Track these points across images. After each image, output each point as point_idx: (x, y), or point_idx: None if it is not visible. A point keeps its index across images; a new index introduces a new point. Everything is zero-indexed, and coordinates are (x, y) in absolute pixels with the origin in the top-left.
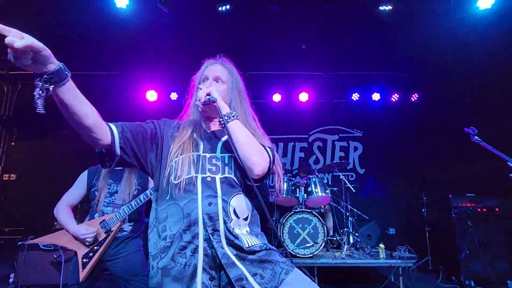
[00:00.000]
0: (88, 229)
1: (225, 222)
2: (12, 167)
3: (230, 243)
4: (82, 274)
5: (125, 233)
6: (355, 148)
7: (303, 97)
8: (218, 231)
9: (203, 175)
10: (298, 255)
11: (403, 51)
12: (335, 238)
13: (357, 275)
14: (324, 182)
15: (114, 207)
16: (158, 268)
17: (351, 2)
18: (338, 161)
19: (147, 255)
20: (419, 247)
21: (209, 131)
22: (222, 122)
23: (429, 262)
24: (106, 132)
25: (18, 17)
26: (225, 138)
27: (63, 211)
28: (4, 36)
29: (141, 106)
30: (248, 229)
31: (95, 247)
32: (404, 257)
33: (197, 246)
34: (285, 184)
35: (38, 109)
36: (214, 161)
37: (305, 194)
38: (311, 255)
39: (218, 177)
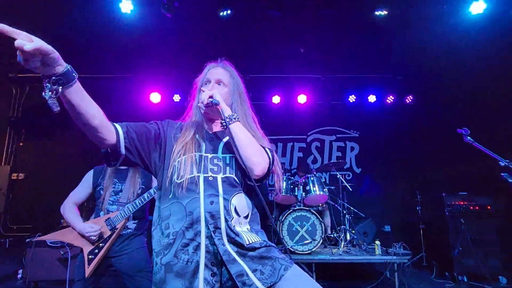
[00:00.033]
0: (93, 227)
1: (226, 220)
2: (20, 166)
3: (231, 241)
4: (88, 270)
5: (129, 230)
6: (352, 148)
7: (302, 99)
8: (220, 228)
9: (205, 175)
10: (296, 251)
11: (398, 54)
12: (332, 235)
13: (353, 271)
14: (322, 181)
15: (119, 205)
16: (161, 264)
17: (348, 7)
18: (335, 161)
19: (150, 252)
20: (413, 244)
21: (211, 132)
22: (224, 124)
23: (423, 258)
24: (111, 132)
25: (29, 21)
26: (226, 139)
27: (69, 209)
28: (14, 39)
29: (145, 107)
30: (249, 227)
31: (100, 244)
32: (399, 253)
33: (199, 243)
34: (284, 183)
35: (53, 108)
36: (215, 161)
37: (303, 193)
38: (309, 251)
39: (219, 177)
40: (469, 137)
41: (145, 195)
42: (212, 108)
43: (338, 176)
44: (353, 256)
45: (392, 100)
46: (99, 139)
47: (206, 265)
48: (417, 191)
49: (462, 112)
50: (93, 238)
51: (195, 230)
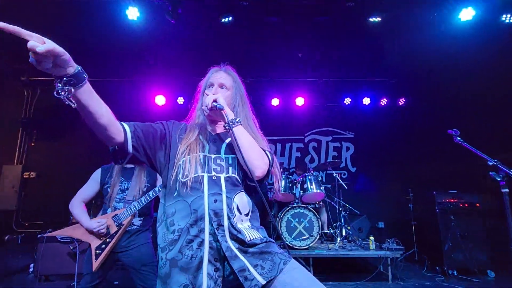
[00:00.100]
0: (100, 222)
1: (229, 218)
2: (32, 165)
3: (233, 237)
4: (95, 264)
5: (135, 227)
6: (347, 148)
7: (299, 101)
8: (223, 226)
9: (209, 174)
10: (295, 246)
11: (391, 59)
12: (329, 231)
13: (349, 265)
14: (319, 179)
15: (125, 203)
16: (166, 259)
17: (343, 14)
18: (332, 160)
19: (155, 247)
20: (406, 240)
21: (214, 134)
22: (228, 127)
23: (415, 253)
24: (119, 131)
25: (41, 26)
26: (228, 140)
27: (77, 206)
28: (26, 42)
29: (150, 109)
30: (249, 224)
31: (107, 240)
32: (392, 248)
33: (203, 239)
34: (283, 181)
35: (72, 104)
36: (219, 161)
37: (301, 191)
38: (306, 247)
39: (222, 176)
40: (459, 138)
41: (150, 193)
42: (215, 111)
43: (334, 175)
44: (349, 251)
45: (385, 103)
46: (108, 137)
47: (209, 261)
48: (409, 189)
49: (452, 114)
50: (102, 231)
51: (199, 227)
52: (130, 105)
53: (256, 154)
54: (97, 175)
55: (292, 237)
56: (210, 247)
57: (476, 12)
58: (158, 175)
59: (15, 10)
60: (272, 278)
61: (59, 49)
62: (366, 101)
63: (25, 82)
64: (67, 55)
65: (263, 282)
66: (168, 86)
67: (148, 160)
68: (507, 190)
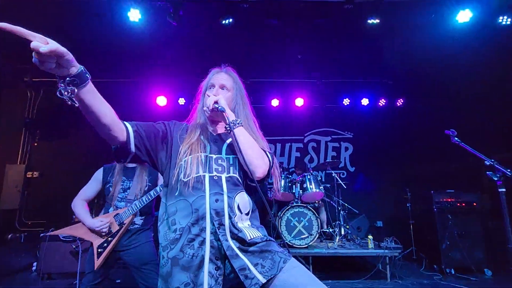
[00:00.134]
0: (102, 221)
1: (230, 217)
2: (35, 165)
3: (234, 236)
4: (97, 262)
5: (136, 226)
6: (346, 148)
7: (299, 102)
8: (224, 225)
9: (210, 174)
10: (294, 245)
11: (389, 60)
12: (328, 230)
13: (348, 263)
14: (318, 179)
15: (127, 202)
16: (168, 258)
17: (342, 16)
18: (331, 160)
19: (157, 246)
20: (404, 238)
21: (215, 134)
22: (229, 129)
23: (413, 252)
24: (122, 130)
25: (44, 28)
26: (229, 140)
27: (79, 205)
28: (29, 42)
29: (152, 110)
30: (250, 223)
31: (109, 238)
32: (390, 247)
33: (204, 238)
34: (283, 181)
35: (73, 103)
36: (220, 161)
37: (300, 190)
38: (306, 245)
39: (223, 176)
40: (456, 138)
41: (152, 192)
42: (216, 112)
43: (333, 175)
44: (348, 250)
45: (384, 103)
46: (110, 136)
47: (210, 260)
48: (407, 189)
49: (449, 114)
50: (104, 230)
51: (200, 226)
52: (132, 105)
53: (257, 154)
54: (99, 174)
55: (292, 236)
56: (211, 246)
57: (473, 14)
58: (159, 174)
59: (18, 12)
60: (272, 276)
61: (62, 49)
62: (365, 101)
63: (28, 83)
64: (70, 55)
65: (264, 280)
66: (169, 87)
67: (149, 160)
68: (504, 189)
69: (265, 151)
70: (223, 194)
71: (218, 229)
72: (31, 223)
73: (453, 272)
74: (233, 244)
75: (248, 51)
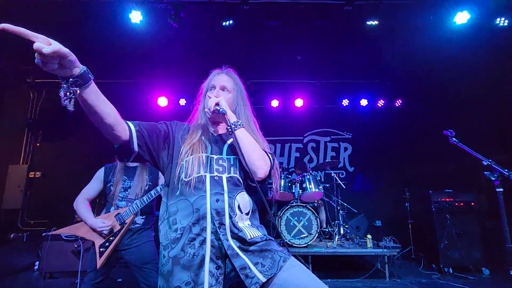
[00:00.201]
0: (104, 222)
1: (230, 217)
2: (37, 165)
3: (234, 236)
4: (99, 262)
5: (137, 225)
6: (345, 149)
7: (299, 102)
8: (224, 225)
9: (211, 174)
10: (294, 245)
11: (388, 61)
12: (327, 230)
13: (347, 263)
14: (317, 179)
15: (128, 201)
16: (169, 257)
17: (341, 17)
18: (330, 160)
19: (158, 245)
20: (402, 238)
21: (216, 135)
22: (230, 130)
23: (411, 251)
24: (125, 129)
25: (46, 29)
26: (230, 141)
27: (81, 205)
28: (32, 43)
29: (153, 110)
30: (250, 223)
31: (110, 238)
32: (389, 246)
33: (205, 238)
34: (283, 181)
35: (69, 108)
36: (221, 162)
37: (300, 190)
38: (305, 245)
39: (224, 176)
40: (454, 138)
41: (152, 191)
42: (218, 114)
43: (332, 175)
44: (347, 249)
45: (382, 104)
46: (113, 136)
47: (211, 259)
48: (406, 189)
49: (447, 114)
50: (105, 233)
51: (201, 226)
52: (133, 106)
53: (258, 155)
54: (100, 173)
55: (292, 235)
56: (212, 246)
57: (471, 16)
58: (160, 173)
59: (20, 13)
60: (272, 275)
61: (65, 50)
62: (364, 102)
63: (30, 84)
64: (72, 56)
65: (264, 279)
66: (170, 87)
67: (151, 159)
68: (501, 189)
69: (266, 152)
70: (223, 194)
71: (219, 229)
72: (34, 223)
73: (451, 271)
74: (233, 243)
75: (249, 53)
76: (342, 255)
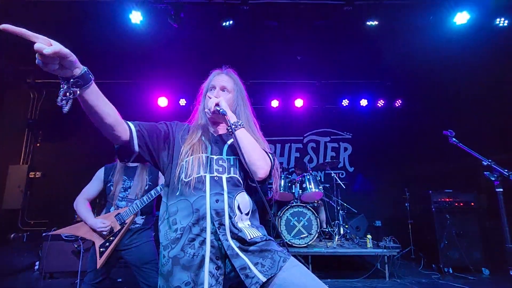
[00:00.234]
0: (104, 223)
1: (230, 217)
2: (37, 165)
3: (234, 236)
4: (99, 262)
5: (137, 225)
6: (345, 149)
7: (298, 103)
8: (224, 225)
9: (211, 175)
10: (294, 244)
11: (388, 62)
12: (327, 230)
13: (347, 263)
14: (317, 179)
15: (128, 201)
16: (169, 257)
17: (341, 18)
18: (330, 161)
19: (158, 245)
20: (402, 238)
21: (216, 135)
22: (231, 131)
23: (411, 251)
24: (125, 129)
25: (46, 30)
26: (230, 141)
27: (81, 205)
28: (32, 44)
29: (153, 111)
30: (249, 223)
31: (111, 238)
32: (389, 246)
33: (205, 238)
34: (283, 181)
35: (64, 108)
36: (221, 162)
37: (300, 190)
38: (305, 245)
39: (224, 177)
40: (454, 139)
41: (152, 191)
42: (218, 114)
43: (332, 175)
44: (347, 249)
45: (382, 104)
46: (114, 136)
47: (211, 259)
48: (406, 189)
49: (447, 114)
50: (105, 233)
51: (201, 226)
52: (133, 106)
53: (259, 156)
54: (100, 173)
55: (292, 235)
56: (211, 246)
57: (471, 16)
58: (159, 173)
59: (20, 13)
60: (272, 275)
61: (65, 50)
62: (364, 102)
63: (31, 84)
64: (73, 57)
65: (264, 279)
66: (170, 88)
67: (152, 159)
68: (501, 189)
69: (266, 152)
70: (223, 194)
71: (219, 229)
72: (34, 223)
73: (451, 271)
74: (233, 243)
75: (249, 53)
76: (342, 255)
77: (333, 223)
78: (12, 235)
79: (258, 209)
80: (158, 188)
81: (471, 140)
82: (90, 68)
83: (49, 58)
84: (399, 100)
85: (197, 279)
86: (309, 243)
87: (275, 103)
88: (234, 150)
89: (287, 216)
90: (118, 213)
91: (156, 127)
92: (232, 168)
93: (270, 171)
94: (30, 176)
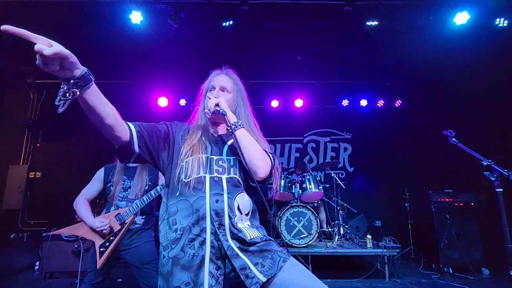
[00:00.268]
0: (103, 221)
1: (230, 218)
2: (37, 166)
3: (234, 236)
4: (99, 262)
5: (137, 225)
6: (345, 149)
7: (298, 103)
8: (224, 225)
9: (211, 175)
10: (294, 245)
11: (387, 62)
12: (327, 230)
13: (347, 263)
14: (317, 179)
15: (128, 201)
16: (169, 258)
17: (341, 18)
18: (330, 161)
19: (157, 245)
20: (402, 238)
21: (216, 135)
22: (230, 131)
23: (411, 251)
24: (125, 130)
25: (47, 30)
26: (230, 141)
27: (81, 205)
28: (33, 44)
29: (153, 111)
30: (249, 223)
31: (110, 238)
32: (389, 246)
33: (205, 238)
34: (283, 181)
35: (59, 108)
36: (220, 162)
37: (300, 190)
38: (305, 245)
39: (224, 177)
40: (454, 139)
41: (152, 191)
42: (218, 115)
43: (332, 175)
44: (346, 249)
45: (382, 104)
46: (114, 137)
47: (211, 259)
48: (406, 189)
49: (447, 115)
50: (105, 231)
51: (201, 227)
52: (134, 106)
53: (259, 155)
54: (100, 173)
55: (291, 235)
56: (211, 246)
57: (471, 16)
58: (159, 173)
59: (20, 13)
60: (272, 275)
61: (66, 51)
62: (364, 102)
63: (31, 84)
64: (74, 58)
65: (264, 279)
66: (170, 88)
67: (152, 160)
68: (501, 189)
69: (266, 152)
70: (223, 194)
71: (218, 229)
72: (34, 223)
73: (451, 271)
74: (233, 244)
75: (248, 53)
76: (342, 255)
77: (333, 223)
78: (12, 235)
79: (258, 209)
80: (158, 188)
81: (471, 140)
82: (90, 68)
83: (49, 59)
84: (399, 100)
85: (197, 280)
86: (309, 243)
87: (275, 103)
88: (234, 151)
89: (287, 216)
90: (118, 213)
91: (156, 127)
92: (232, 169)
93: (271, 171)
94: (30, 176)
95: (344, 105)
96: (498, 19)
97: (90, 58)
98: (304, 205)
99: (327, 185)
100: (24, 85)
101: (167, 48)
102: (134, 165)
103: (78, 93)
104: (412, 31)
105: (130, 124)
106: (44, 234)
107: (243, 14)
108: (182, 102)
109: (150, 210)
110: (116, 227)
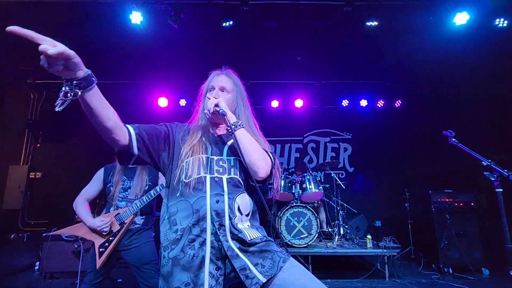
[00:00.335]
0: (102, 220)
1: (230, 218)
2: (37, 166)
3: (234, 237)
4: (99, 262)
5: (137, 225)
6: (345, 149)
7: (298, 103)
8: (224, 226)
9: (212, 176)
10: (294, 245)
11: (387, 62)
12: (327, 230)
13: (347, 263)
14: (317, 179)
15: (128, 202)
16: (169, 258)
17: (341, 18)
18: (330, 161)
19: (157, 246)
20: (402, 238)
21: (216, 136)
22: (230, 131)
23: (411, 251)
24: (124, 133)
25: (47, 30)
26: (230, 142)
27: (81, 205)
28: (34, 45)
29: (153, 111)
30: (249, 224)
31: (110, 238)
32: (389, 247)
33: (205, 239)
34: (283, 181)
35: (57, 107)
36: (221, 163)
37: (300, 190)
38: (305, 245)
39: (224, 178)
40: (454, 139)
41: (152, 192)
42: (218, 115)
43: (332, 175)
44: (347, 249)
45: (382, 104)
46: (113, 139)
47: (211, 260)
48: (406, 189)
49: (447, 115)
50: (105, 230)
51: (201, 227)
52: (134, 107)
53: (259, 155)
54: (100, 174)
55: (291, 235)
56: (211, 247)
57: (470, 17)
58: (159, 174)
59: (20, 14)
60: (272, 276)
61: (69, 51)
62: (364, 103)
63: (31, 85)
64: (77, 58)
65: (264, 280)
66: (170, 88)
67: (152, 161)
68: (501, 189)
69: (267, 152)
70: (223, 195)
71: (219, 230)
72: (34, 223)
73: (451, 271)
74: (233, 244)
75: (248, 53)
76: (342, 255)
77: (333, 223)
78: (12, 236)
79: (258, 209)
80: (158, 188)
81: (471, 140)
82: (90, 69)
83: (53, 59)
84: (399, 101)
85: (197, 280)
86: (309, 244)
87: (275, 104)
88: (235, 151)
89: (287, 217)
90: (118, 213)
91: (156, 128)
92: (232, 169)
93: (271, 170)
94: (30, 176)
95: (344, 105)
96: (497, 19)
97: (90, 58)
98: (304, 205)
99: (327, 185)
100: (25, 86)
101: (167, 48)
102: (134, 165)
103: (79, 94)
104: (412, 31)
105: (129, 127)
106: (44, 234)
107: (243, 14)
108: (182, 102)
109: (150, 210)
110: (116, 227)
